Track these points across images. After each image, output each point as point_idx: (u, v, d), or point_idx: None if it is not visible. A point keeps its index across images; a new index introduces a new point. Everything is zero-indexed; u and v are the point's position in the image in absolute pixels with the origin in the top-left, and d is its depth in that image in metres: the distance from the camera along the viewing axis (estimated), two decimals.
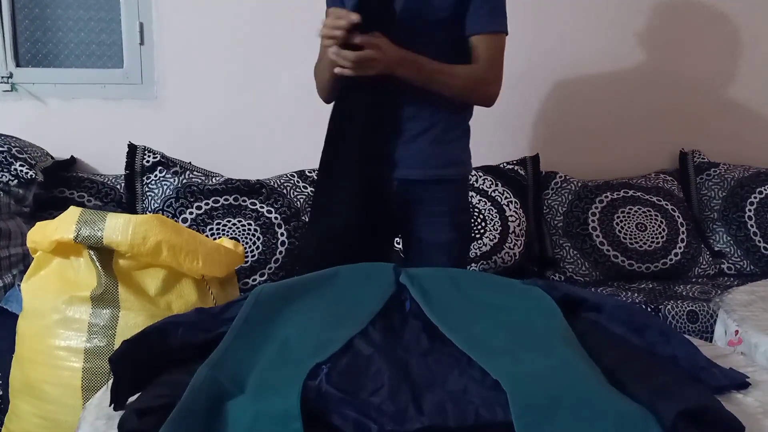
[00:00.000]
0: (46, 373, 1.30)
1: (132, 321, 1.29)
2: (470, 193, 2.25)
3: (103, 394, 0.93)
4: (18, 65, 2.27)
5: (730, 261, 2.35)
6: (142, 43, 2.29)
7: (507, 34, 1.52)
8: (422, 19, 1.45)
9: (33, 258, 1.42)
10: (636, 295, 2.07)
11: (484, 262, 2.19)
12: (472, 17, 1.47)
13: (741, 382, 0.96)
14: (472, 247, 2.18)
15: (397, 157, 1.53)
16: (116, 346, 1.19)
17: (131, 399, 0.88)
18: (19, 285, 1.67)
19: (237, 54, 2.32)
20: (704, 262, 2.31)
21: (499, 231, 2.22)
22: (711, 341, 1.67)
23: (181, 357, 0.95)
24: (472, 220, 2.21)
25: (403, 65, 1.41)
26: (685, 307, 1.97)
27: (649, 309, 1.97)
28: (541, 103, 2.52)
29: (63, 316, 1.30)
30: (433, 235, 1.55)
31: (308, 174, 2.26)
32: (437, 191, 1.54)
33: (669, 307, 1.97)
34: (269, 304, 1.04)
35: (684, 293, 2.09)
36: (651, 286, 2.18)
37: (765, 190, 2.39)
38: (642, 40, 2.53)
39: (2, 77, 2.24)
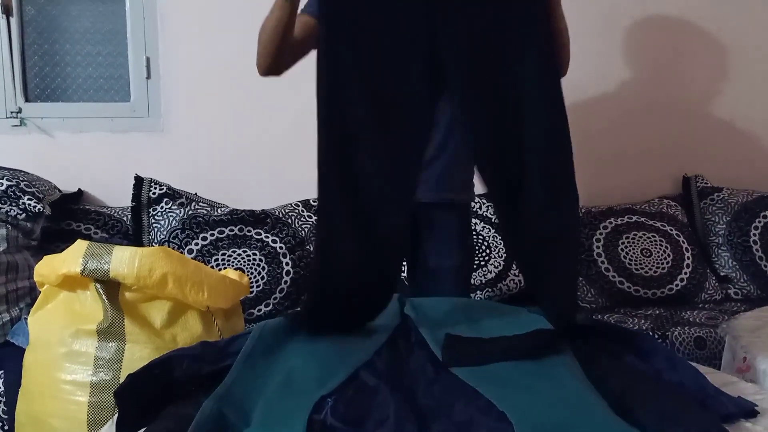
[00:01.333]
0: (52, 407, 1.30)
1: (137, 354, 1.29)
2: (474, 221, 2.27)
3: (109, 428, 0.93)
4: (27, 100, 2.30)
5: (737, 286, 2.34)
6: (148, 76, 2.32)
7: None
8: None
9: (40, 291, 1.43)
10: (643, 321, 2.06)
11: (489, 290, 2.19)
12: None
13: (749, 411, 0.95)
14: (477, 274, 2.18)
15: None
16: (122, 379, 1.18)
17: None
18: (25, 318, 1.68)
19: (241, 86, 2.35)
20: (710, 288, 2.29)
21: (503, 258, 2.22)
22: (720, 368, 1.66)
23: (186, 390, 0.96)
24: (477, 248, 2.21)
25: None
26: (693, 334, 1.96)
27: (656, 335, 1.95)
28: None
29: (69, 350, 1.30)
30: (440, 260, 1.54)
31: (312, 203, 2.27)
32: (446, 215, 1.53)
33: (676, 333, 1.96)
34: (273, 336, 1.04)
35: (691, 319, 2.08)
36: (658, 312, 2.16)
37: None
38: (643, 66, 2.56)
39: (11, 112, 2.27)
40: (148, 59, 2.31)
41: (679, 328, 1.98)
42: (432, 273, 1.56)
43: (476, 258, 2.19)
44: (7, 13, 2.24)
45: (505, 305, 1.31)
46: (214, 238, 2.11)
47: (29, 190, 1.98)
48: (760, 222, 2.37)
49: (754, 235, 2.36)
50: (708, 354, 1.93)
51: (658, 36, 2.55)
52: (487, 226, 2.25)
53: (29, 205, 1.93)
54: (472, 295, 2.18)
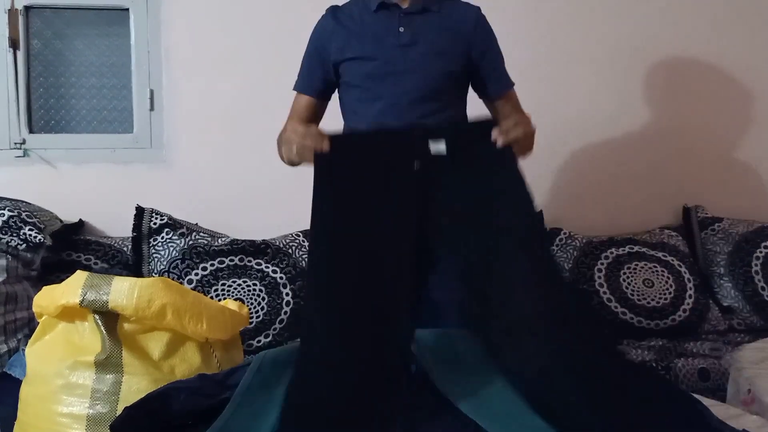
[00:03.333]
0: None
1: (135, 386, 1.27)
2: None
3: None
4: (31, 131, 2.33)
5: (740, 317, 2.32)
6: (152, 108, 2.35)
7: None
8: (432, 78, 1.54)
9: (38, 322, 1.42)
10: (646, 352, 2.04)
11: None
12: (489, 79, 1.59)
13: None
14: None
15: None
16: (119, 412, 1.17)
17: None
18: (23, 350, 1.67)
19: (243, 119, 2.38)
20: (713, 318, 2.28)
21: None
22: (724, 400, 1.64)
23: (183, 423, 0.95)
24: None
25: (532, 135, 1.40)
26: (696, 365, 1.94)
27: (659, 367, 1.94)
28: (544, 159, 2.55)
29: (66, 382, 1.29)
30: (444, 294, 1.51)
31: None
32: None
33: (680, 365, 1.94)
34: (272, 369, 1.03)
35: (694, 350, 2.06)
36: (661, 343, 2.14)
37: None
38: (644, 97, 2.58)
39: (15, 143, 2.30)
40: (151, 92, 2.34)
41: (682, 359, 1.97)
42: (435, 306, 1.54)
43: None
44: (14, 46, 2.28)
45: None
46: (214, 268, 2.11)
47: (30, 220, 1.99)
48: (761, 252, 2.37)
49: (756, 265, 2.35)
50: (712, 386, 1.90)
51: (659, 70, 2.58)
52: None
53: (30, 235, 1.94)
54: None
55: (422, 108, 1.53)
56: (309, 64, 1.66)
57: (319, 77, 1.64)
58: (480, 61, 1.59)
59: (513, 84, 1.66)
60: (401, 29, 1.54)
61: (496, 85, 1.62)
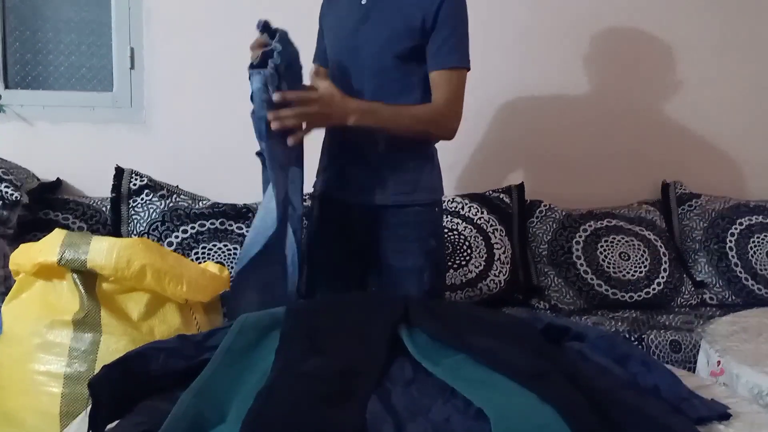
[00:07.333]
0: (25, 401, 1.28)
1: (113, 346, 1.27)
2: (456, 220, 2.27)
3: (82, 421, 0.92)
4: (7, 87, 2.26)
5: (712, 291, 2.37)
6: (132, 67, 2.30)
7: (468, 69, 1.50)
8: (382, 55, 1.48)
9: (15, 280, 1.40)
10: (620, 324, 2.08)
11: (470, 289, 2.19)
12: (431, 54, 1.47)
13: (722, 414, 0.97)
14: (457, 274, 2.19)
15: (359, 183, 1.54)
16: (97, 371, 1.17)
17: (110, 426, 0.87)
18: None
19: (225, 80, 2.32)
20: (686, 292, 2.32)
21: (484, 258, 2.23)
22: (695, 371, 1.68)
23: (162, 384, 0.95)
24: (457, 246, 2.22)
25: (354, 115, 1.40)
26: (668, 337, 1.99)
27: (632, 338, 1.98)
28: (526, 133, 2.55)
29: (43, 341, 1.28)
30: (401, 261, 1.52)
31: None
32: (403, 216, 1.52)
33: (652, 336, 1.99)
34: (253, 333, 1.03)
35: (667, 323, 2.11)
36: (634, 315, 2.19)
37: (745, 221, 2.42)
38: (624, 74, 2.58)
39: None
40: (132, 50, 2.29)
41: (655, 331, 2.01)
42: (392, 273, 1.54)
43: (457, 258, 2.20)
44: None
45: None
46: (194, 231, 2.09)
47: (6, 177, 1.95)
48: (736, 229, 2.41)
49: (730, 241, 2.39)
50: (683, 357, 1.95)
51: (639, 45, 2.58)
52: (469, 226, 2.26)
53: (6, 193, 1.90)
54: (453, 295, 2.19)
55: (376, 82, 1.49)
56: (318, 35, 1.68)
57: (321, 48, 1.67)
58: (431, 35, 1.46)
59: (456, 66, 1.47)
60: (363, 1, 1.50)
61: (433, 61, 1.47)
